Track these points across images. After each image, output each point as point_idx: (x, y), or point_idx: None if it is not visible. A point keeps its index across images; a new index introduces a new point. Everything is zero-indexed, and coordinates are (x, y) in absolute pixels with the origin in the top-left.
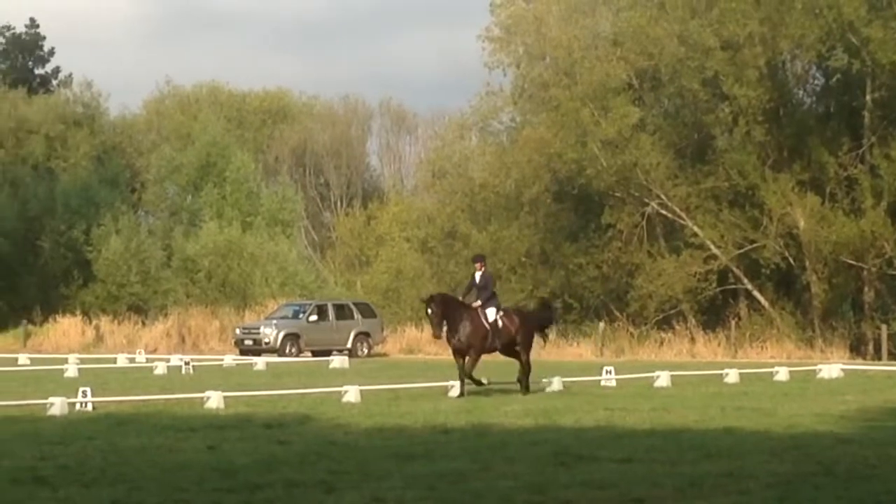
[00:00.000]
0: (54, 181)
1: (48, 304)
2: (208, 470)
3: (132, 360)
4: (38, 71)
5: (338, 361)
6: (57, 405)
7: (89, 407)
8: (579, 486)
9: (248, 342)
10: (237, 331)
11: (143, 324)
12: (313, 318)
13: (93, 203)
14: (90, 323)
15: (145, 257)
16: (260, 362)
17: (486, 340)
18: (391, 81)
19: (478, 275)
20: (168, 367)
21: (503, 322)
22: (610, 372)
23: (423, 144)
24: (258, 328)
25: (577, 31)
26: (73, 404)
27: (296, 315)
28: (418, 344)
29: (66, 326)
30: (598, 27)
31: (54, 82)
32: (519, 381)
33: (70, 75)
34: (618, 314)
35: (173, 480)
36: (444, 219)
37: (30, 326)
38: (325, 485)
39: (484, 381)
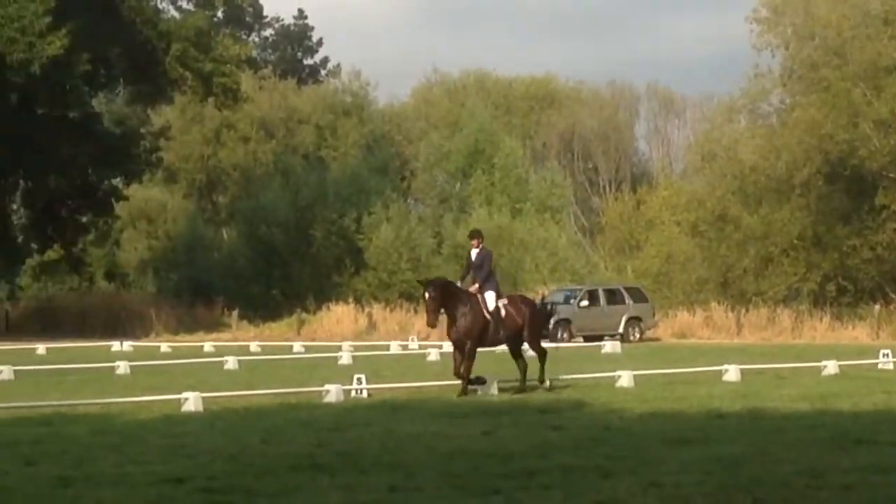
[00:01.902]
0: (325, 170)
1: (321, 292)
2: (483, 456)
3: (405, 348)
4: (307, 62)
5: (610, 346)
6: (333, 392)
7: (364, 394)
8: (859, 471)
9: None
10: None
11: (416, 311)
12: (584, 303)
13: (363, 191)
14: (363, 310)
15: (416, 245)
16: None
17: (486, 332)
18: (658, 65)
19: (474, 252)
20: (441, 353)
21: (508, 311)
22: (887, 355)
23: (692, 128)
24: None
25: (846, 10)
26: (349, 391)
27: (566, 300)
28: (690, 328)
29: (340, 314)
30: (867, 6)
31: (323, 72)
32: (540, 378)
33: (338, 65)
34: (894, 296)
35: (449, 466)
36: (714, 202)
37: (303, 315)
38: (601, 470)
39: (483, 378)
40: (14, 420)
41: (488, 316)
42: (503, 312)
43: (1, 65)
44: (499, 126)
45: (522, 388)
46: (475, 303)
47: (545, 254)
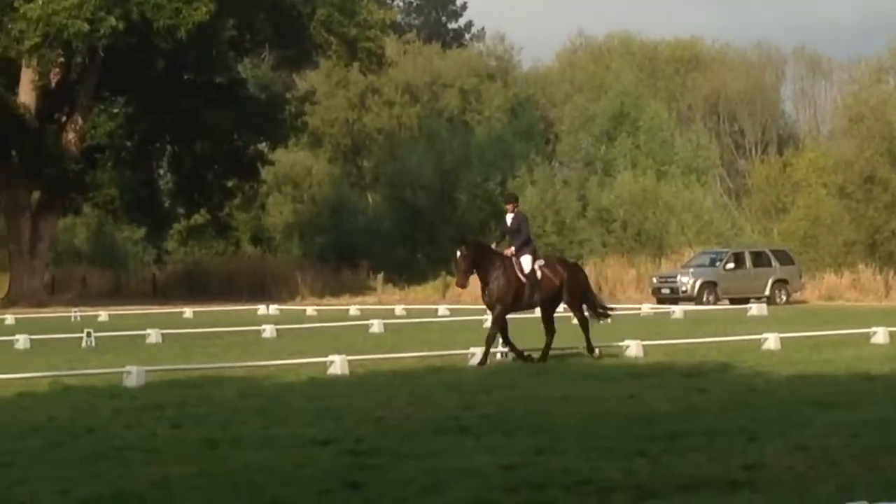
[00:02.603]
0: (469, 134)
1: None
2: (629, 418)
3: None
4: (452, 26)
5: (756, 309)
6: (478, 355)
7: (509, 357)
8: None
9: (665, 291)
10: (654, 280)
11: None
12: (730, 265)
13: (507, 155)
14: None
15: (561, 208)
16: (677, 311)
17: (520, 296)
18: (805, 27)
19: (509, 217)
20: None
21: (544, 272)
22: None
23: (839, 90)
24: (675, 277)
25: None
26: (494, 354)
27: (712, 263)
28: (838, 290)
29: None
30: None
31: (467, 36)
32: (587, 345)
33: (482, 29)
34: None
35: (594, 429)
36: (861, 164)
37: (448, 278)
38: (747, 433)
39: (516, 349)
40: (161, 383)
41: (523, 279)
42: (539, 274)
43: (147, 31)
44: (644, 89)
45: (544, 358)
46: (509, 266)
47: (690, 216)
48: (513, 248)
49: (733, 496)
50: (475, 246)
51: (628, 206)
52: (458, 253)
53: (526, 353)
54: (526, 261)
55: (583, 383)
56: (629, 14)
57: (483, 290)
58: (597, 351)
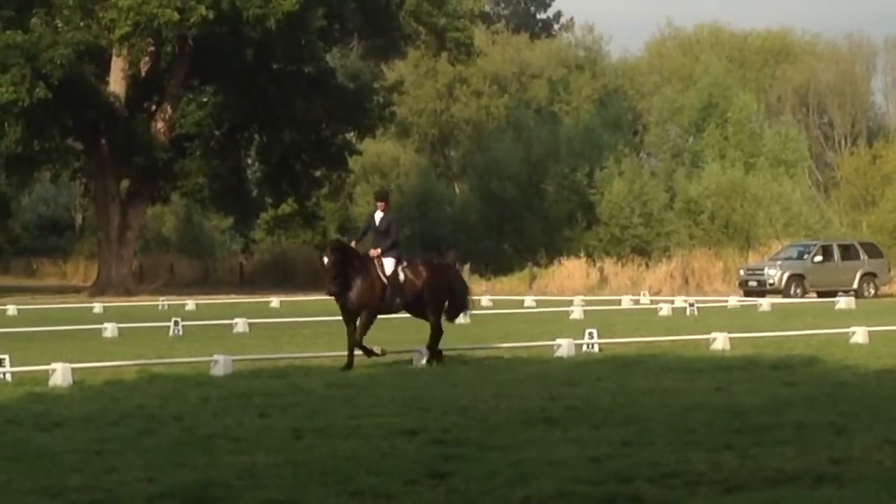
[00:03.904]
0: (557, 125)
1: (552, 246)
2: (716, 411)
3: (636, 302)
4: (540, 16)
5: (844, 302)
6: (564, 347)
7: (595, 348)
8: None
9: (753, 283)
10: (741, 272)
11: (647, 266)
12: (818, 258)
13: (595, 146)
14: (594, 265)
15: (648, 199)
16: (764, 303)
17: (381, 300)
18: None
19: (378, 215)
20: (672, 308)
21: (406, 275)
22: None
23: None
24: (762, 269)
25: None
26: (580, 346)
27: (800, 256)
28: None
29: (571, 269)
30: None
31: (556, 26)
32: (429, 348)
33: (571, 19)
34: None
35: (682, 421)
36: None
37: (535, 269)
38: (835, 426)
39: (377, 350)
40: (248, 372)
41: (385, 281)
42: (402, 277)
43: (237, 20)
44: (733, 80)
45: (436, 357)
46: (371, 268)
47: (779, 209)
48: (378, 250)
49: (821, 490)
50: (340, 250)
51: (716, 198)
52: (325, 259)
53: (379, 350)
54: (388, 263)
55: (669, 376)
56: (719, 5)
57: (340, 294)
58: (424, 360)
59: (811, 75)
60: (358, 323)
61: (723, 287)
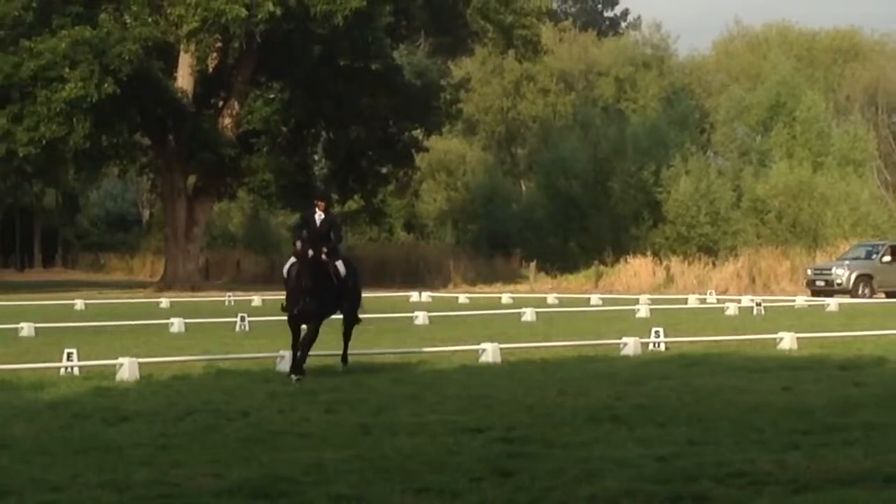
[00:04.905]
0: (624, 123)
1: (619, 244)
2: (783, 411)
3: (703, 301)
4: (608, 14)
5: None
6: (630, 345)
7: (661, 347)
8: None
9: (820, 283)
10: (808, 272)
11: (714, 265)
12: (886, 258)
13: (662, 144)
14: (660, 264)
15: (715, 198)
16: (832, 303)
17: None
18: None
19: (318, 217)
20: (739, 307)
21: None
22: None
23: None
24: (830, 269)
25: None
26: (646, 344)
27: (868, 256)
28: None
29: (637, 267)
30: None
31: (623, 24)
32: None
33: (639, 17)
34: None
35: (748, 420)
36: None
37: (601, 267)
38: None
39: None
40: (316, 368)
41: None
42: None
43: (305, 17)
44: (801, 79)
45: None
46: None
47: (847, 208)
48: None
49: (889, 491)
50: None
51: (783, 197)
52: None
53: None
54: (342, 265)
55: (736, 375)
56: (787, 3)
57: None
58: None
59: (880, 74)
60: (312, 327)
61: (790, 287)
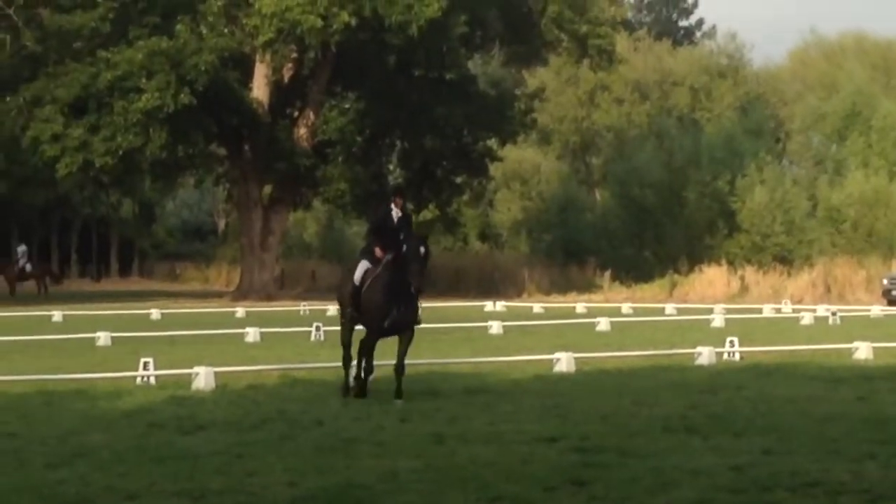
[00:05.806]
0: (699, 132)
1: (693, 254)
2: (859, 421)
3: (778, 311)
4: (682, 23)
5: None
6: (705, 354)
7: (736, 357)
8: None
9: None
10: (884, 281)
11: (789, 274)
12: None
13: (737, 153)
14: (735, 273)
15: (790, 207)
16: None
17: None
18: None
19: (395, 213)
20: (814, 317)
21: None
22: None
23: None
24: None
25: None
26: (721, 354)
27: None
28: None
29: (712, 276)
30: None
31: (698, 34)
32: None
33: (714, 27)
34: None
35: (823, 431)
36: None
37: (675, 276)
38: None
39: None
40: (388, 378)
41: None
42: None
43: (380, 27)
44: (877, 88)
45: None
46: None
47: None
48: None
49: None
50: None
51: (859, 206)
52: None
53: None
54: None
55: (811, 385)
56: (863, 12)
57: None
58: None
59: None
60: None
61: (865, 296)
